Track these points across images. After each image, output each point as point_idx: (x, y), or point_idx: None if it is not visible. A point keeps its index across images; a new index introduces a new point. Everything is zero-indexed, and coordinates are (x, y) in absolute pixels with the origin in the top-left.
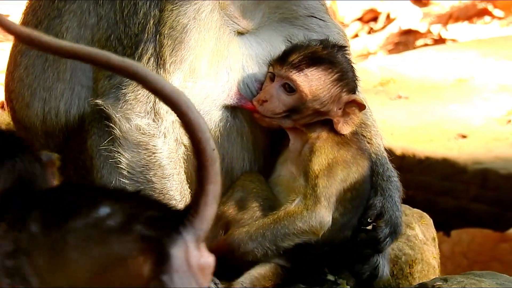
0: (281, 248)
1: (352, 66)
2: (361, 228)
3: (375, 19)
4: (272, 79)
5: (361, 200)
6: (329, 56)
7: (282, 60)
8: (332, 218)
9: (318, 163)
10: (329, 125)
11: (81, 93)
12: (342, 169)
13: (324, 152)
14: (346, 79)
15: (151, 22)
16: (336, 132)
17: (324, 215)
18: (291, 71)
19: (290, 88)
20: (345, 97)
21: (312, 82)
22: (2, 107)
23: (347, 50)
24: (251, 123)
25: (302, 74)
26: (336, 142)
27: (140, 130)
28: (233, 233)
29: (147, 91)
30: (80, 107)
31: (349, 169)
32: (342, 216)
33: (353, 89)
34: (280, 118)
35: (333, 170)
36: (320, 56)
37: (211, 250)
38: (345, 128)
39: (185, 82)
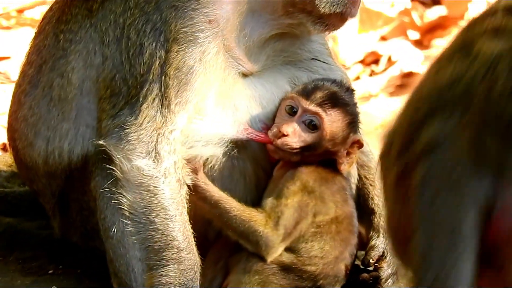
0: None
1: (358, 110)
2: (363, 269)
3: (376, 61)
4: (291, 113)
5: (349, 234)
6: (347, 98)
7: (308, 95)
8: (323, 251)
9: (293, 190)
10: (321, 161)
11: (86, 134)
12: (316, 203)
13: (303, 181)
14: (356, 122)
15: (157, 63)
16: (324, 168)
17: (274, 241)
18: (319, 108)
19: (314, 125)
20: (352, 138)
21: (334, 123)
22: (4, 148)
23: (355, 93)
24: (254, 163)
25: (328, 113)
26: (320, 177)
27: (140, 170)
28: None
29: (150, 131)
30: (84, 148)
31: (324, 205)
32: (333, 249)
33: (357, 130)
34: (293, 153)
35: (305, 201)
36: (340, 98)
37: None
38: (346, 168)
39: (191, 121)
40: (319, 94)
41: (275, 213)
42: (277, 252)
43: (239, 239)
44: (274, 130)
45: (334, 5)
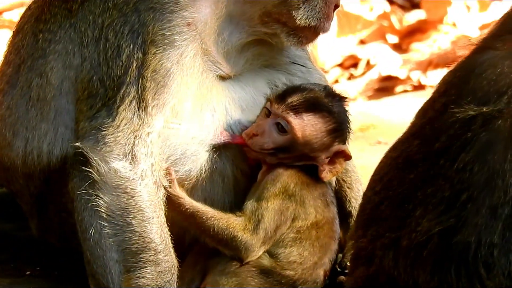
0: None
1: (348, 118)
2: (340, 271)
3: (355, 65)
4: (268, 115)
5: (329, 240)
6: (329, 105)
7: (281, 98)
8: (302, 257)
9: (273, 192)
10: (304, 166)
11: (65, 135)
12: (296, 207)
13: (284, 184)
14: (341, 130)
15: (134, 65)
16: (306, 173)
17: (254, 245)
18: (288, 112)
19: (283, 128)
20: (336, 147)
21: (307, 127)
22: None
23: (347, 101)
24: (233, 165)
25: (298, 117)
26: (301, 181)
27: (117, 173)
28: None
29: (127, 133)
30: (63, 149)
31: (304, 210)
32: (312, 255)
33: (344, 140)
34: (267, 154)
35: (285, 205)
36: (320, 103)
37: None
38: (328, 176)
39: (168, 124)
40: (293, 98)
41: (255, 217)
42: (256, 255)
43: (218, 246)
44: (248, 130)
45: (309, 18)
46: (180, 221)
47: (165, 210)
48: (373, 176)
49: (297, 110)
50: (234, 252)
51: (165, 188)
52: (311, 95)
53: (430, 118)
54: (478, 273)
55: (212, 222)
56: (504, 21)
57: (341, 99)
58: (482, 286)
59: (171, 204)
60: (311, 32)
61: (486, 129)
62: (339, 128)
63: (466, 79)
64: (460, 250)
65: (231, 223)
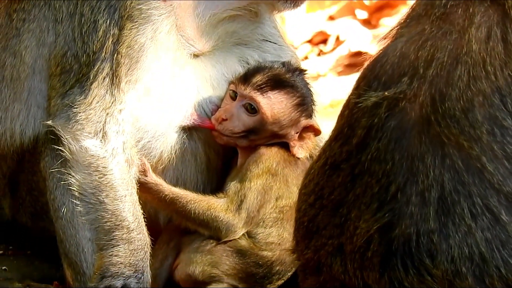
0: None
1: (310, 91)
2: None
3: (324, 41)
4: (234, 97)
5: None
6: (292, 80)
7: (246, 79)
8: (281, 238)
9: (257, 172)
10: (282, 144)
11: (37, 114)
12: (280, 186)
13: (267, 164)
14: (306, 104)
15: (110, 41)
16: (286, 150)
17: (235, 224)
18: (255, 92)
19: (252, 109)
20: (304, 122)
21: (275, 105)
22: None
23: (306, 73)
24: (204, 144)
25: (265, 96)
26: (283, 159)
27: (88, 151)
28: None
29: (99, 111)
30: (35, 129)
31: (288, 188)
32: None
33: (310, 114)
34: (238, 137)
35: (268, 184)
36: (284, 80)
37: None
38: (300, 152)
39: (140, 102)
40: (257, 78)
41: (238, 197)
42: (238, 235)
43: (199, 228)
44: (216, 115)
45: None
46: (160, 209)
47: (137, 189)
48: (302, 189)
49: (263, 89)
50: (215, 233)
51: (141, 177)
52: (274, 73)
53: (347, 117)
54: (423, 264)
55: (193, 205)
56: (411, 10)
57: (300, 72)
58: (430, 276)
59: (150, 192)
60: None
61: (393, 113)
62: (304, 101)
63: (372, 69)
64: (402, 243)
65: (211, 204)
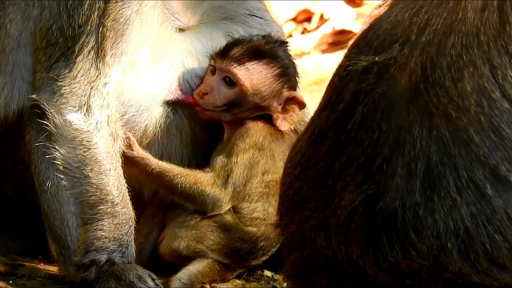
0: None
1: (293, 63)
2: None
3: (308, 19)
4: (213, 72)
5: None
6: (271, 50)
7: (223, 53)
8: (267, 213)
9: (243, 147)
10: (268, 118)
11: (22, 88)
12: (267, 161)
13: (254, 138)
14: (288, 74)
15: (96, 14)
16: (273, 125)
17: (221, 199)
18: (232, 65)
19: (231, 81)
20: (286, 93)
21: (253, 75)
22: None
23: (288, 45)
24: (190, 118)
25: (243, 67)
26: (270, 134)
27: (72, 125)
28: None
29: (83, 85)
30: (20, 102)
31: (274, 163)
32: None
33: (293, 86)
34: (220, 111)
35: (255, 159)
36: (262, 50)
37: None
38: (284, 125)
39: (125, 76)
40: (235, 50)
41: (225, 172)
42: (224, 210)
43: (185, 202)
44: (197, 90)
45: None
46: (147, 183)
47: (122, 163)
48: (288, 163)
49: (240, 60)
50: (201, 207)
51: (128, 151)
52: (252, 45)
53: (335, 84)
54: (409, 238)
55: (180, 179)
56: None
57: (281, 44)
58: (416, 251)
59: (136, 166)
60: None
61: (382, 79)
62: (286, 72)
63: (365, 35)
64: (387, 217)
65: (198, 178)
